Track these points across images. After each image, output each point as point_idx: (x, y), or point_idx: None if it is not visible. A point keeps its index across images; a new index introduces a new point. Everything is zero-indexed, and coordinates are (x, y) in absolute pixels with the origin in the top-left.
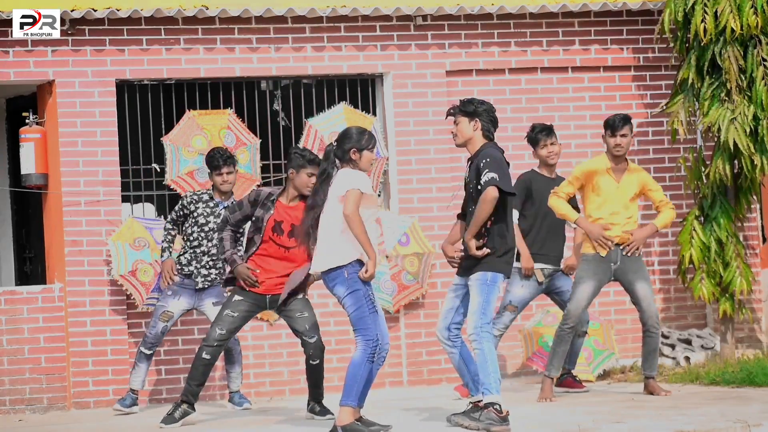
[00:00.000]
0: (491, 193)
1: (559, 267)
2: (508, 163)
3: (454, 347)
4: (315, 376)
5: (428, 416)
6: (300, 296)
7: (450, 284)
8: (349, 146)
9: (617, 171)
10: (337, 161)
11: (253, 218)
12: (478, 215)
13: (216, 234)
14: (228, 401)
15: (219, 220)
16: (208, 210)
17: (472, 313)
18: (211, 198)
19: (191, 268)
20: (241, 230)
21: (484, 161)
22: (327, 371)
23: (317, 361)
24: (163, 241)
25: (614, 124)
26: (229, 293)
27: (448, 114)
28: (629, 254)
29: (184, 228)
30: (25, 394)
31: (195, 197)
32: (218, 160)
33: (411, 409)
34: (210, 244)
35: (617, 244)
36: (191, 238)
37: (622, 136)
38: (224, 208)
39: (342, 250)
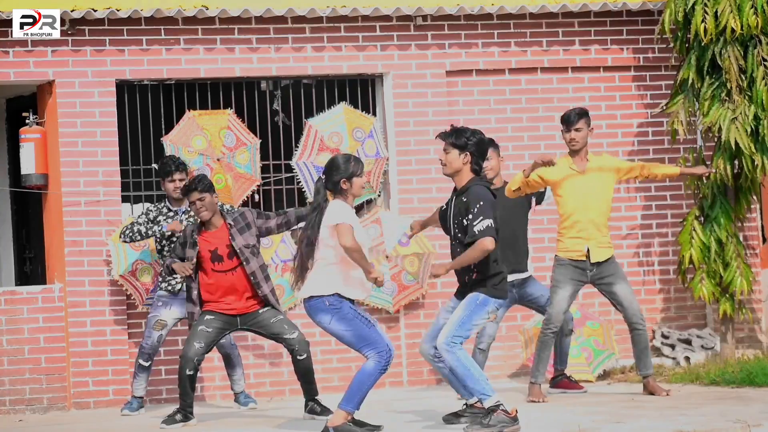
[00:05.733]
0: (487, 246)
1: (525, 275)
2: (494, 195)
3: (441, 361)
4: (305, 372)
5: (428, 416)
6: (267, 309)
7: (450, 285)
8: (338, 177)
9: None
10: (328, 194)
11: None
12: (466, 259)
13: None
14: (234, 401)
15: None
16: (170, 221)
17: (449, 323)
18: (170, 210)
19: (174, 281)
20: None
21: (477, 206)
22: (327, 371)
23: (304, 356)
24: (132, 232)
25: (569, 119)
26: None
27: (438, 137)
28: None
29: (155, 246)
30: (25, 394)
31: (156, 211)
32: (170, 165)
33: (411, 409)
34: None
35: (594, 263)
36: (164, 252)
37: (576, 130)
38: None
39: (325, 281)
